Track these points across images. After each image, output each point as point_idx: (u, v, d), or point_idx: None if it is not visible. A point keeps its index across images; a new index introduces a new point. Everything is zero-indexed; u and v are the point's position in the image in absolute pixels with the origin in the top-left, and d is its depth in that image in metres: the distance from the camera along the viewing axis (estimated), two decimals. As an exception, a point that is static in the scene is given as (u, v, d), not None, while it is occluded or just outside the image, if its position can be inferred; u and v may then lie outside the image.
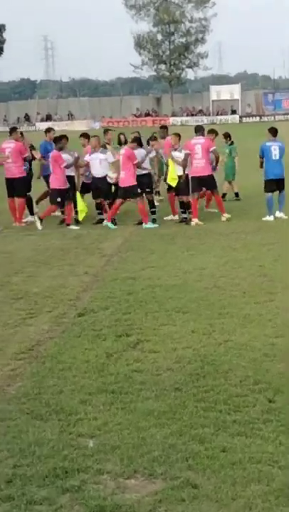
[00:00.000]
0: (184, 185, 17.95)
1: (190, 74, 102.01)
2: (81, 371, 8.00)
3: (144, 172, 17.96)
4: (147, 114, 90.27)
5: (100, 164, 18.22)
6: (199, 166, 17.80)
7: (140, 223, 17.81)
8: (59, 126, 63.07)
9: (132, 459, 5.97)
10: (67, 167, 17.98)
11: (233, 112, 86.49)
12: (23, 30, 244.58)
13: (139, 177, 17.71)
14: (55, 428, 6.59)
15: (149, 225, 17.54)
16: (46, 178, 19.07)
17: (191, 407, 6.93)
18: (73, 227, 17.84)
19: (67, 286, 11.99)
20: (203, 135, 18.45)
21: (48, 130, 20.53)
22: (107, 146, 18.67)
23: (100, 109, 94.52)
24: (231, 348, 8.56)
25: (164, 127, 21.93)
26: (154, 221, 17.95)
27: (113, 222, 17.85)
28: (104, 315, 10.15)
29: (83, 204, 18.27)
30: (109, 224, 17.69)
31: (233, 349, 8.53)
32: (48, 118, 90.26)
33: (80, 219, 18.24)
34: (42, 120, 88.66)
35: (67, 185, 18.06)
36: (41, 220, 17.88)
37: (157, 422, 6.63)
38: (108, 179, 18.27)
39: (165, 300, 10.81)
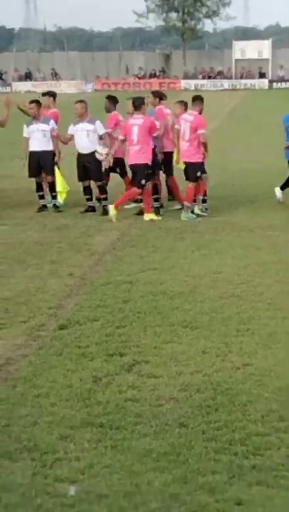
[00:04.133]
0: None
1: (208, 25, 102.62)
2: (62, 399, 8.01)
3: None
4: (153, 75, 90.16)
5: (87, 137, 18.22)
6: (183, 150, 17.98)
7: (142, 213, 17.87)
8: (41, 88, 63.09)
9: (123, 511, 5.98)
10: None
11: (262, 76, 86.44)
12: None
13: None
14: (27, 470, 6.61)
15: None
16: None
17: (199, 447, 6.93)
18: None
19: (47, 290, 12.00)
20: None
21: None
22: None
23: (94, 68, 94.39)
24: (251, 375, 8.57)
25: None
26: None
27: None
28: (92, 328, 10.16)
29: (64, 183, 18.38)
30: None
31: (254, 376, 8.54)
32: (28, 77, 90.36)
33: (61, 201, 18.39)
34: (20, 79, 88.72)
35: None
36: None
37: (156, 465, 6.65)
38: (97, 155, 18.24)
39: (169, 311, 10.83)
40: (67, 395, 8.08)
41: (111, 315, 10.68)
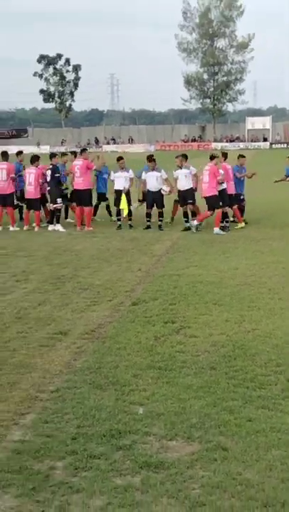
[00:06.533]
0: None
1: (230, 107, 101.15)
2: (134, 350, 8.02)
3: (188, 187, 18.05)
4: (193, 140, 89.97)
5: (156, 180, 18.26)
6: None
7: (186, 229, 17.85)
8: (122, 148, 63.58)
9: (173, 425, 5.97)
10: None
11: (265, 140, 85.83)
12: (94, 69, 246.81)
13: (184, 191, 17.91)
14: (111, 396, 6.63)
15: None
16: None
17: (223, 383, 6.90)
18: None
19: (124, 280, 12.01)
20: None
21: (19, 153, 20.47)
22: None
23: (155, 135, 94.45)
24: (258, 336, 8.50)
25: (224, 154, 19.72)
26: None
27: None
28: (153, 305, 10.14)
29: (126, 205, 18.46)
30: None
31: (260, 336, 8.47)
32: (113, 141, 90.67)
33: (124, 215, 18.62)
34: (108, 143, 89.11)
35: None
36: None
37: (195, 394, 6.62)
38: (162, 192, 18.30)
39: (204, 294, 10.77)
40: (137, 348, 8.09)
41: (166, 296, 10.65)
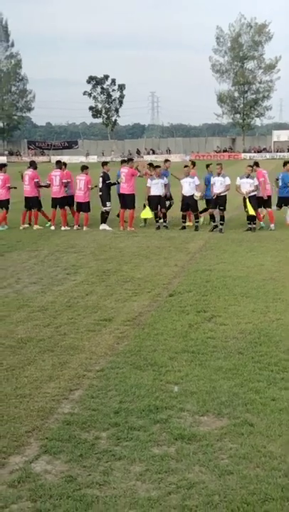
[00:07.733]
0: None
1: (258, 121, 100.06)
2: (170, 336, 8.01)
3: (222, 194, 17.90)
4: (225, 151, 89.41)
5: (189, 186, 18.22)
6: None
7: (213, 229, 17.76)
8: (161, 158, 63.51)
9: (205, 402, 5.95)
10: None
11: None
12: (137, 88, 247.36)
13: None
14: (150, 376, 6.63)
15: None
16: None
17: (250, 366, 6.85)
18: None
19: (162, 274, 12.00)
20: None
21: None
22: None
23: (190, 146, 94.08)
24: (282, 325, 8.40)
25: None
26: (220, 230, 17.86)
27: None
28: (188, 296, 10.11)
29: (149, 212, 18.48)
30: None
31: (283, 325, 8.37)
32: (152, 152, 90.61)
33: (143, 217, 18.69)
34: (148, 153, 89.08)
35: None
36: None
37: (225, 376, 6.59)
38: (194, 197, 18.19)
39: (233, 287, 10.69)
40: (173, 334, 8.09)
41: (199, 289, 10.60)
